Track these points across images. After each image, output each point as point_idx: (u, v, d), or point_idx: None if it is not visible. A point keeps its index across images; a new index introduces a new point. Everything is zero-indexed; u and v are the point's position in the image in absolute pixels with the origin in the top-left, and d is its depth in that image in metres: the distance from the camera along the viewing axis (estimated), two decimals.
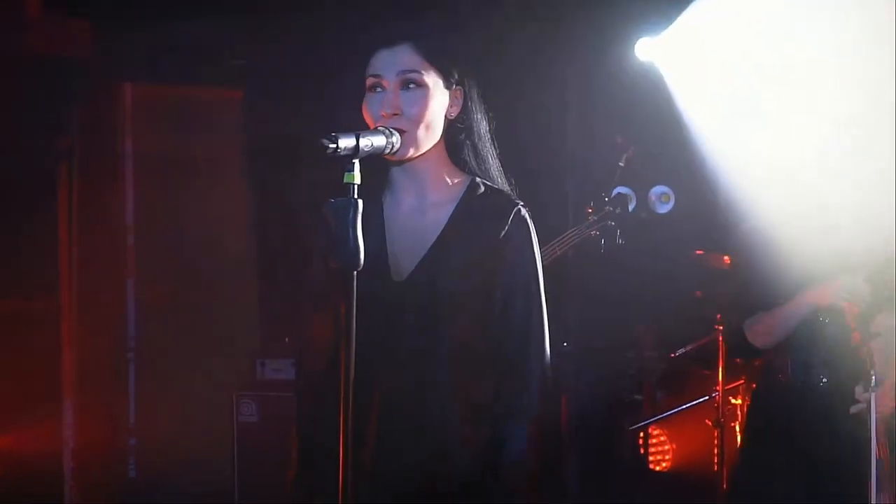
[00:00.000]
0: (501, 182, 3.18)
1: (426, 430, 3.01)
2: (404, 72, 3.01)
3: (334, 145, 2.68)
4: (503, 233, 3.05)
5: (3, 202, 6.45)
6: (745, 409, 5.73)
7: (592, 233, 5.36)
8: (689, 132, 6.57)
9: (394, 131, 2.93)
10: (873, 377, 4.06)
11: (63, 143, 6.91)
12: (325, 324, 3.09)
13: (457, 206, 3.10)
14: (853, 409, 4.15)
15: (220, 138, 7.65)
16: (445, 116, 3.09)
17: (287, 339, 6.74)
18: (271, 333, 7.08)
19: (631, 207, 6.21)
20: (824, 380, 4.40)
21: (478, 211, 3.08)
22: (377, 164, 2.96)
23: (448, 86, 3.08)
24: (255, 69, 7.40)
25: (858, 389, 4.11)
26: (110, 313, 7.50)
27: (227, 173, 7.61)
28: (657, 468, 6.64)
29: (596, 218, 5.36)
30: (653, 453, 6.64)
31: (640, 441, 6.60)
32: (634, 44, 6.42)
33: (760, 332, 4.54)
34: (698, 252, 5.73)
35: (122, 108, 7.55)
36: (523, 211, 3.08)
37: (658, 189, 6.31)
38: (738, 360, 5.75)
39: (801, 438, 4.42)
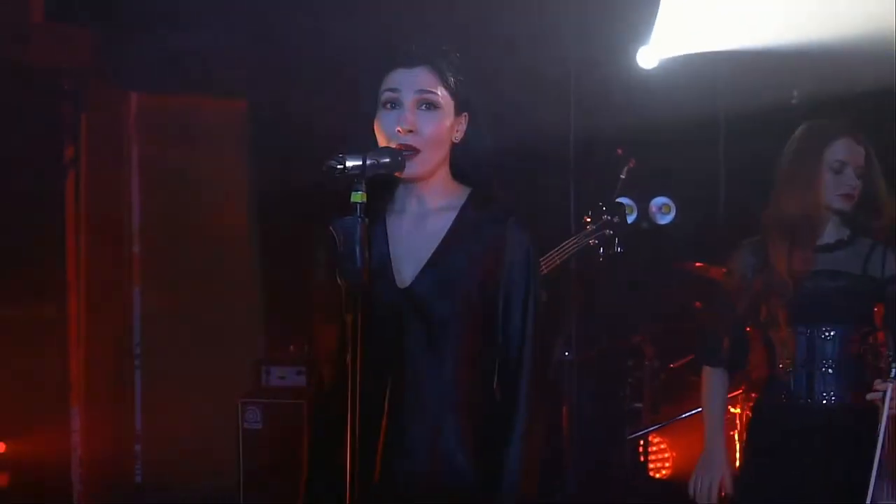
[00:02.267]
0: (502, 193, 3.27)
1: (431, 427, 3.10)
2: (422, 91, 3.11)
3: (342, 166, 2.77)
4: (501, 242, 3.15)
5: (10, 211, 6.49)
6: (745, 420, 5.76)
7: (591, 242, 5.42)
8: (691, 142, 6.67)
9: (402, 151, 3.02)
10: (893, 368, 4.08)
11: (69, 152, 6.96)
12: (333, 333, 3.22)
13: (457, 216, 3.20)
14: (869, 396, 4.12)
15: (225, 147, 7.69)
16: (452, 140, 3.18)
17: (291, 347, 6.77)
18: (276, 341, 7.11)
19: (632, 218, 6.29)
20: (832, 397, 4.35)
21: (476, 221, 3.18)
22: (383, 177, 3.04)
23: (458, 111, 3.18)
24: (259, 79, 7.44)
25: (877, 381, 4.09)
26: (116, 321, 7.55)
27: (232, 182, 7.64)
28: (657, 475, 6.65)
29: (594, 227, 5.42)
30: (653, 461, 6.65)
31: (640, 449, 6.62)
32: (636, 53, 6.50)
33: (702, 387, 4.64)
34: (698, 264, 5.77)
35: (127, 118, 7.61)
36: (519, 221, 3.18)
37: (659, 200, 6.39)
38: None
39: (805, 459, 4.36)
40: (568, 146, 6.85)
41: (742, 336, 4.53)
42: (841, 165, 4.32)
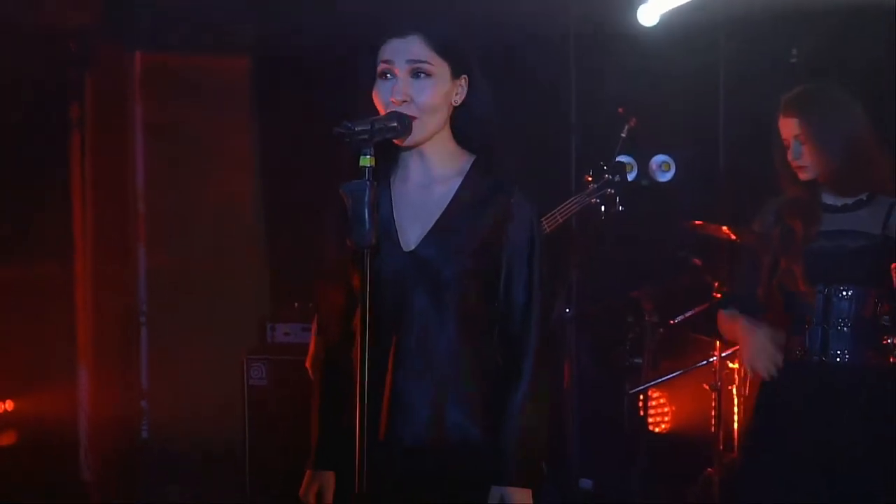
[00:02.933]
0: (505, 160, 3.34)
1: (435, 388, 3.19)
2: (413, 61, 3.17)
3: (350, 131, 2.85)
4: (506, 213, 3.23)
5: (16, 172, 6.52)
6: (742, 375, 5.83)
7: (592, 200, 5.49)
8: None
9: (409, 119, 3.09)
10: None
11: (74, 112, 6.99)
12: (340, 296, 3.34)
13: (462, 182, 3.28)
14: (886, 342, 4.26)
15: (230, 106, 7.69)
16: (451, 103, 3.25)
17: (296, 304, 6.82)
18: (281, 298, 7.15)
19: (632, 176, 6.34)
20: (846, 356, 4.41)
21: (481, 187, 3.26)
22: (385, 145, 3.12)
23: (455, 75, 3.24)
24: (264, 37, 7.46)
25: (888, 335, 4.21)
26: (122, 279, 7.59)
27: (237, 141, 7.66)
28: (657, 430, 6.72)
29: (595, 186, 5.49)
30: (653, 415, 6.71)
31: (641, 403, 6.69)
32: (636, 11, 6.51)
33: (720, 325, 4.74)
34: (697, 222, 5.82)
35: (132, 78, 7.61)
36: (525, 191, 3.27)
37: (659, 158, 6.43)
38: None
39: (817, 419, 4.41)
40: (570, 105, 6.89)
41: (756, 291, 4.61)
42: (786, 142, 4.46)
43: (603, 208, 5.52)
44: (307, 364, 5.42)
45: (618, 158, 6.26)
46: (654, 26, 6.46)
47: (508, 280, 3.26)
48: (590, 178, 5.51)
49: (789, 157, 4.45)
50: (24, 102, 6.54)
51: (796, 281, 4.44)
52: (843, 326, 4.38)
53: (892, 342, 4.28)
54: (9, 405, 6.44)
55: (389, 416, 3.19)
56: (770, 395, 4.61)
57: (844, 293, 4.38)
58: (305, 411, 3.52)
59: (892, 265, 4.17)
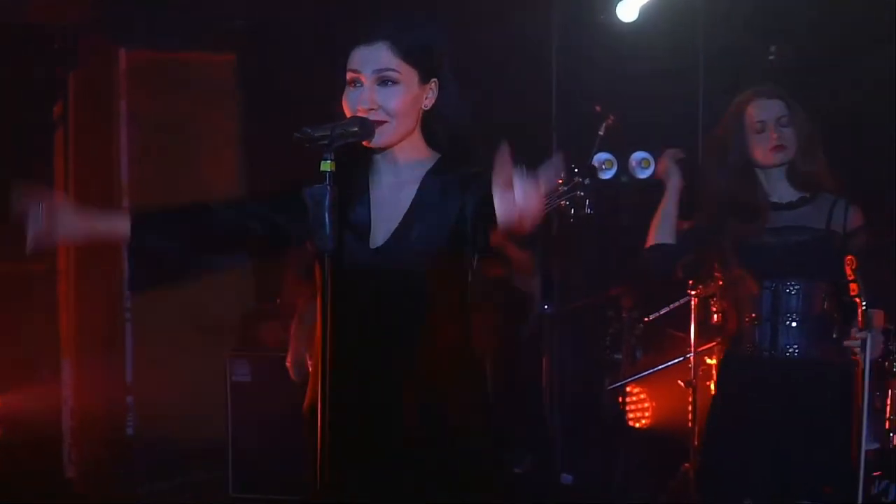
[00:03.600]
0: (477, 158, 3.37)
1: (401, 381, 3.22)
2: (380, 70, 3.18)
3: (310, 138, 2.88)
4: (465, 198, 3.23)
5: (1, 166, 6.55)
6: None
7: (562, 203, 5.50)
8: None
9: (371, 124, 3.12)
10: (870, 315, 4.19)
11: (59, 107, 7.02)
12: (311, 291, 3.36)
13: (422, 180, 3.30)
14: (847, 343, 4.29)
15: (214, 102, 7.72)
16: (421, 107, 3.27)
17: (279, 301, 6.85)
18: (264, 295, 7.18)
19: (612, 173, 6.38)
20: (795, 350, 4.48)
21: (442, 184, 3.28)
22: (362, 149, 3.17)
23: (424, 80, 3.26)
24: (248, 32, 7.47)
25: (854, 330, 4.23)
26: (107, 274, 7.60)
27: (220, 136, 7.68)
28: (637, 425, 6.75)
29: (565, 188, 5.50)
30: (633, 410, 6.73)
31: (620, 399, 6.71)
32: (615, 7, 6.53)
33: (651, 231, 4.78)
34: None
35: (116, 73, 7.62)
36: (484, 180, 3.25)
37: (639, 155, 6.48)
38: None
39: (768, 412, 4.48)
40: (550, 102, 6.91)
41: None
42: (762, 125, 4.48)
43: (573, 211, 5.54)
44: (287, 362, 5.46)
45: (597, 155, 6.31)
46: (634, 23, 6.47)
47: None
48: (560, 181, 5.53)
49: (761, 137, 4.50)
50: (8, 99, 6.56)
51: (745, 277, 4.51)
52: (792, 321, 4.45)
53: (854, 336, 4.31)
54: None
55: (355, 406, 3.22)
56: (724, 390, 4.73)
57: (792, 289, 4.46)
58: (288, 407, 3.56)
59: (847, 257, 4.24)
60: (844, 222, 4.49)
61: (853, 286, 4.21)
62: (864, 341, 4.23)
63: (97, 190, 7.36)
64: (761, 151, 4.53)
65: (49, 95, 6.96)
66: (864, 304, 4.20)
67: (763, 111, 4.53)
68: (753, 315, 4.52)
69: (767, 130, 4.50)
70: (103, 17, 7.05)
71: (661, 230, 4.73)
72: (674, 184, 4.81)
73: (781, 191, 4.58)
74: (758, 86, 4.67)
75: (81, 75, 7.09)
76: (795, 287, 4.46)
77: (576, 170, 5.43)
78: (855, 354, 4.29)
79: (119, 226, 3.31)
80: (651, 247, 4.75)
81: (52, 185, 6.95)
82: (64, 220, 3.21)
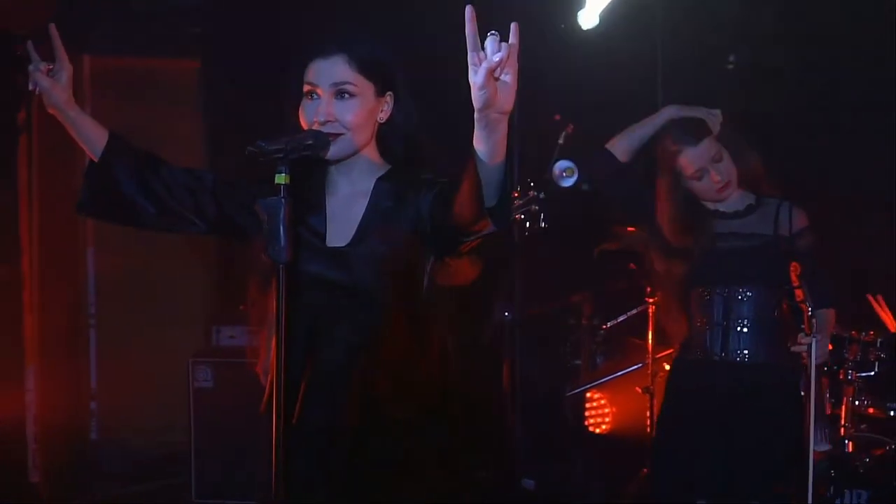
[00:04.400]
0: (433, 169, 3.42)
1: (349, 380, 3.30)
2: (337, 84, 3.25)
3: (263, 151, 2.92)
4: (420, 200, 3.30)
5: None
6: None
7: (517, 216, 5.54)
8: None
9: (325, 136, 3.17)
10: (814, 322, 4.25)
11: (22, 115, 7.01)
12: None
13: (373, 190, 3.38)
14: (794, 349, 4.34)
15: (179, 108, 7.75)
16: (377, 120, 3.33)
17: (242, 307, 6.86)
18: (226, 301, 7.20)
19: (572, 181, 6.41)
20: (745, 355, 4.56)
21: (395, 188, 3.36)
22: (319, 158, 3.24)
23: (380, 93, 3.33)
24: (212, 39, 7.48)
25: (801, 335, 4.28)
26: (71, 281, 7.63)
27: (186, 142, 7.64)
28: (597, 430, 6.81)
29: (521, 202, 5.54)
30: (593, 416, 6.80)
31: (581, 405, 6.78)
32: (577, 13, 6.56)
33: (617, 140, 4.83)
34: (630, 229, 5.91)
35: (80, 80, 7.63)
36: (437, 182, 3.32)
37: (562, 164, 6.49)
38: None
39: (717, 416, 4.57)
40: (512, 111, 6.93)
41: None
42: (700, 173, 4.49)
43: (528, 224, 5.59)
44: (257, 368, 5.50)
45: (558, 163, 6.35)
46: (593, 32, 6.49)
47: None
48: (516, 194, 5.57)
49: (704, 185, 4.52)
50: None
51: (691, 283, 4.56)
52: (743, 327, 4.52)
53: (801, 341, 4.38)
54: None
55: (304, 405, 3.31)
56: (674, 393, 4.82)
57: (743, 295, 4.53)
58: (250, 413, 3.61)
59: (792, 263, 4.29)
60: (790, 225, 4.56)
61: (798, 292, 4.27)
62: (809, 346, 4.29)
63: (61, 196, 7.33)
64: (709, 194, 4.58)
65: (12, 102, 6.92)
66: (809, 309, 4.27)
67: (697, 159, 4.53)
68: (704, 320, 4.58)
69: (707, 175, 4.53)
70: (64, 23, 7.01)
71: (623, 142, 4.79)
72: (666, 113, 4.79)
73: (728, 200, 4.63)
74: (677, 132, 4.64)
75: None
76: (747, 294, 4.54)
77: (531, 183, 5.48)
78: (803, 358, 4.36)
79: (96, 134, 3.48)
80: (606, 149, 4.82)
81: (16, 191, 6.95)
82: (53, 88, 3.42)
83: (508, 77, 2.72)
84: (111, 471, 7.47)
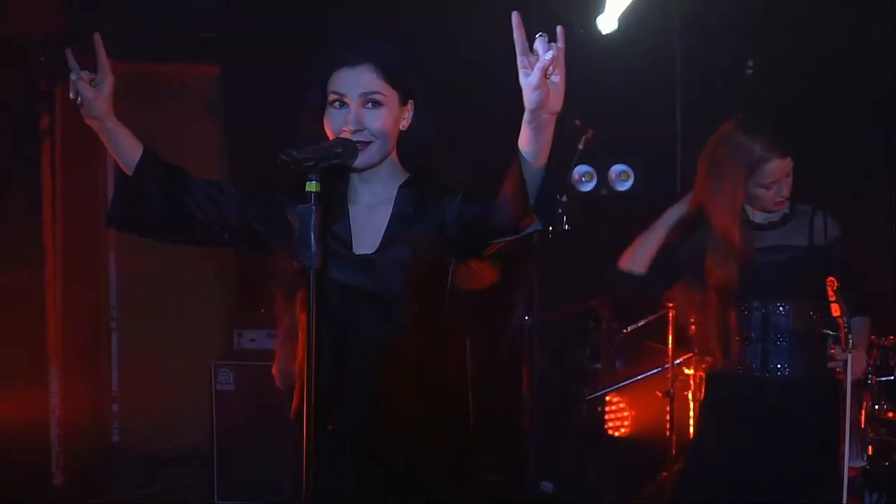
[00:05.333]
0: (444, 175, 3.47)
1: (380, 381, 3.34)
2: (367, 93, 3.29)
3: (293, 159, 2.96)
4: (444, 204, 3.34)
5: None
6: (699, 383, 5.95)
7: None
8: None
9: (354, 145, 3.21)
10: (850, 339, 4.23)
11: (44, 121, 7.06)
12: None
13: (395, 201, 3.41)
14: (830, 365, 4.35)
15: (199, 114, 7.78)
16: (399, 128, 3.37)
17: (263, 310, 6.89)
18: (248, 304, 7.22)
19: (591, 186, 6.45)
20: (785, 370, 4.51)
21: (417, 195, 3.40)
22: (340, 167, 3.24)
23: (402, 102, 3.36)
24: (231, 44, 7.50)
25: (837, 350, 4.28)
26: (93, 285, 7.69)
27: (205, 147, 7.66)
28: (616, 434, 6.81)
29: None
30: (612, 420, 6.80)
31: (600, 408, 6.79)
32: (595, 18, 6.58)
33: (628, 253, 4.72)
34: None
35: None
36: (458, 188, 3.36)
37: (618, 167, 6.56)
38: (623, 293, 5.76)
39: (757, 432, 4.52)
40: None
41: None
42: (774, 184, 4.48)
43: (550, 227, 5.61)
44: (273, 371, 5.54)
45: (577, 168, 6.40)
46: (613, 37, 6.50)
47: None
48: None
49: (770, 194, 4.50)
50: None
51: (731, 298, 4.55)
52: (782, 342, 4.48)
53: (836, 354, 4.39)
54: None
55: (340, 409, 3.34)
56: (712, 404, 4.77)
57: (781, 308, 4.49)
58: (272, 416, 3.63)
59: (828, 279, 4.29)
60: (825, 234, 4.54)
61: (835, 307, 4.27)
62: (845, 362, 4.29)
63: (84, 201, 7.41)
64: (767, 205, 4.53)
65: (36, 108, 6.98)
66: (847, 324, 4.27)
67: (778, 171, 4.44)
68: (743, 335, 4.56)
69: (777, 188, 4.51)
70: (85, 29, 7.04)
71: (638, 256, 4.69)
72: (675, 212, 4.74)
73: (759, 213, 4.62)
74: (769, 141, 4.48)
75: (67, 88, 7.09)
76: (785, 307, 4.49)
77: None
78: (839, 374, 4.36)
79: (131, 147, 3.50)
80: (622, 271, 4.72)
81: (39, 196, 7.00)
82: (95, 99, 3.42)
83: (557, 78, 2.82)
84: (133, 473, 7.49)
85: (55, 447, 7.04)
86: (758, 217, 4.60)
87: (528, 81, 2.78)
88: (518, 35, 2.75)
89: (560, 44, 2.77)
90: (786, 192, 4.48)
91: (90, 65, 3.47)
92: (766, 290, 4.50)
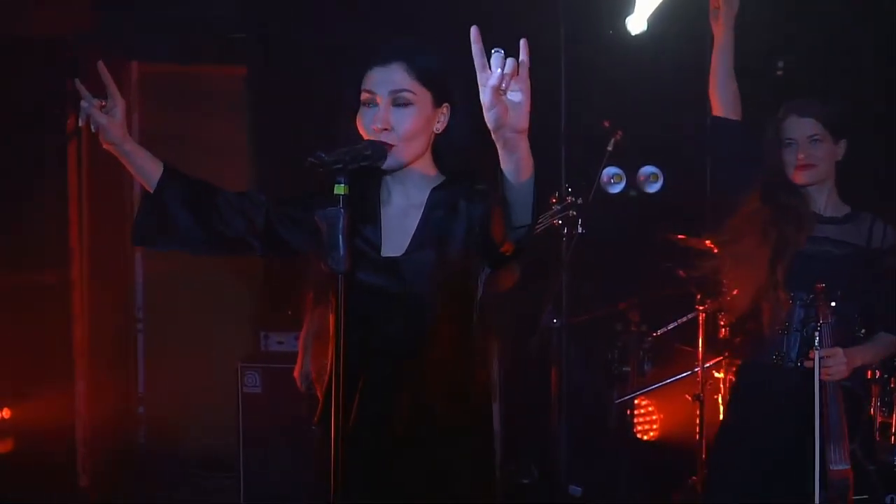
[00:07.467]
0: (489, 179, 3.43)
1: (407, 381, 3.33)
2: (395, 91, 3.26)
3: (323, 162, 2.93)
4: (472, 209, 3.31)
5: (15, 179, 6.61)
6: (728, 385, 5.91)
7: (555, 222, 5.54)
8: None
9: (383, 147, 3.17)
10: (817, 335, 4.28)
11: (71, 121, 7.05)
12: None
13: (428, 198, 3.39)
14: (806, 364, 4.36)
15: (225, 114, 7.76)
16: (433, 131, 3.33)
17: (290, 312, 6.87)
18: (275, 306, 7.20)
19: (620, 188, 6.42)
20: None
21: (448, 197, 3.37)
22: (368, 171, 3.21)
23: (437, 104, 3.33)
24: (259, 45, 7.50)
25: (812, 349, 4.30)
26: (119, 286, 7.69)
27: (232, 148, 7.68)
28: (645, 437, 6.79)
29: (558, 208, 5.53)
30: (641, 423, 6.78)
31: (629, 412, 6.77)
32: (625, 19, 6.55)
33: (716, 97, 4.89)
34: (680, 236, 5.89)
35: (128, 86, 7.70)
36: (485, 197, 3.30)
37: (647, 169, 6.53)
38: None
39: (787, 422, 4.52)
40: (559, 117, 6.93)
41: None
42: (790, 142, 4.49)
43: (565, 230, 5.58)
44: (295, 374, 5.52)
45: (606, 170, 6.36)
46: (643, 38, 6.46)
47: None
48: (554, 200, 5.56)
49: (796, 155, 4.50)
50: (22, 112, 6.59)
51: (777, 287, 4.51)
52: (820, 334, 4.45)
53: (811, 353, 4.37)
54: (6, 413, 6.49)
55: (359, 409, 3.32)
56: (742, 398, 4.78)
57: (824, 301, 4.45)
58: (298, 418, 3.62)
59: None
60: (883, 240, 4.51)
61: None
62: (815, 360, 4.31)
63: (110, 202, 7.41)
64: (787, 167, 4.55)
65: (63, 107, 6.97)
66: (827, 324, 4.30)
67: (793, 129, 4.53)
68: (784, 325, 4.52)
69: (795, 148, 4.51)
70: (112, 29, 7.07)
71: (723, 94, 4.84)
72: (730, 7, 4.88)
73: (823, 204, 4.60)
74: (793, 102, 4.65)
75: (94, 88, 7.11)
76: (829, 301, 4.45)
77: (569, 189, 5.47)
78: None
79: (151, 167, 3.45)
80: (717, 121, 4.80)
81: (66, 197, 7.00)
82: (109, 124, 3.37)
83: (518, 95, 2.66)
84: (159, 475, 7.50)
85: (81, 449, 7.04)
86: (817, 209, 4.56)
87: (482, 100, 2.66)
88: (475, 50, 2.62)
89: (523, 57, 2.63)
90: (808, 158, 4.47)
91: (114, 66, 3.44)
92: (814, 278, 4.45)
